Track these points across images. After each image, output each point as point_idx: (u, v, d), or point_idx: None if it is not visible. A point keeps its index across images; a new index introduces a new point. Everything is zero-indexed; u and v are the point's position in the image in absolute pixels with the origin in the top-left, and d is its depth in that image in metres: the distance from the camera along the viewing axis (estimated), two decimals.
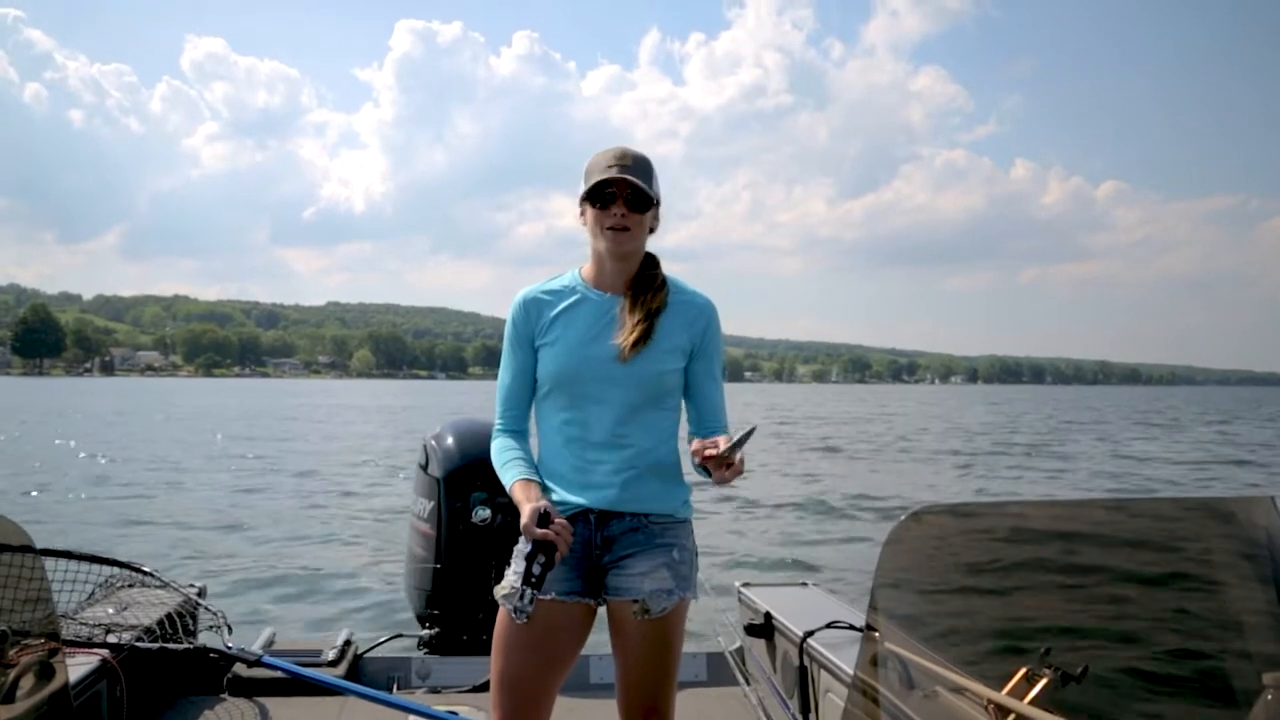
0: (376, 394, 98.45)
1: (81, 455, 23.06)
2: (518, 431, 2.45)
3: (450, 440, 4.25)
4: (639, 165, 2.32)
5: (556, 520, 2.21)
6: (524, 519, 2.22)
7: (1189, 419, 56.48)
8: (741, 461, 2.19)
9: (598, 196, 2.32)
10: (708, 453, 2.19)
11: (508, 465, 2.38)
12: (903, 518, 1.70)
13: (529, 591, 2.16)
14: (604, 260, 2.39)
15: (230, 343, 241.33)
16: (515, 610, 2.18)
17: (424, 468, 4.30)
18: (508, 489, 2.35)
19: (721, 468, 2.18)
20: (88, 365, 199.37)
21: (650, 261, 2.45)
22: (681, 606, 2.34)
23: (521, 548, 2.24)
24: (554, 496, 2.37)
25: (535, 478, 2.35)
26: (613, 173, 2.29)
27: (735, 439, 2.16)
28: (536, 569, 2.17)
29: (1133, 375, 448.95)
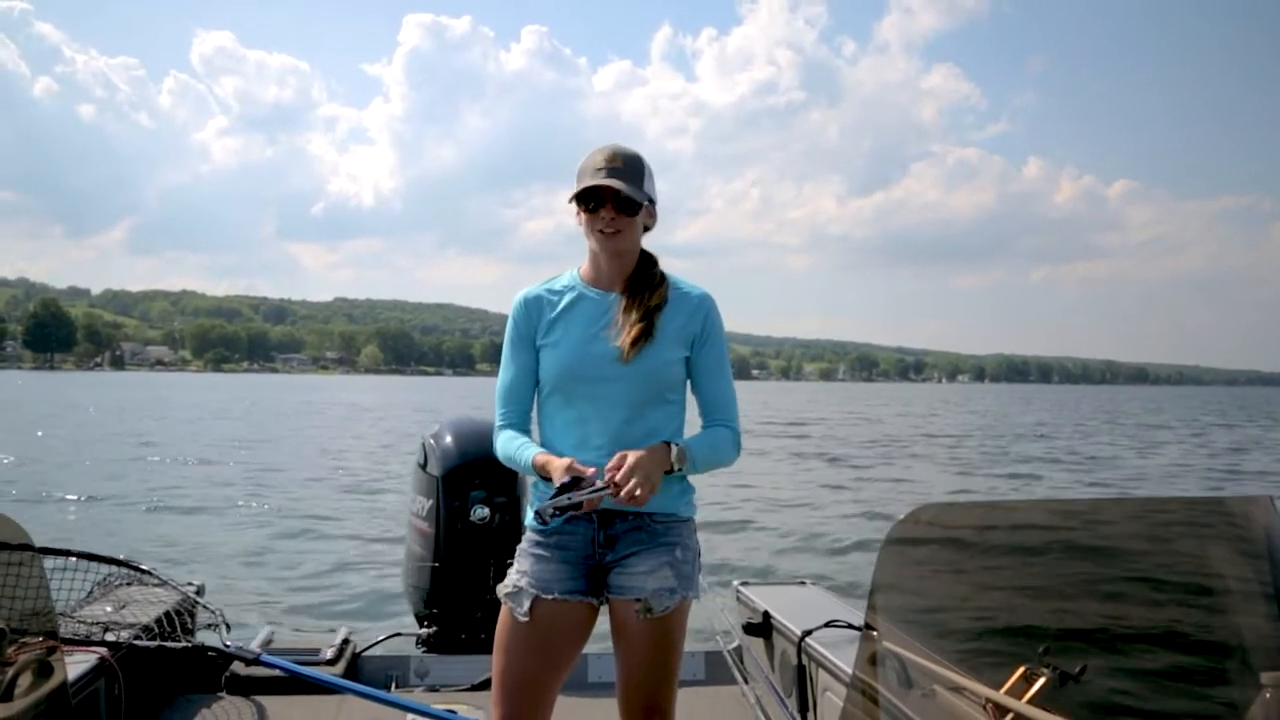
0: (383, 390, 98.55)
1: (92, 455, 23.08)
2: (522, 429, 2.45)
3: (449, 439, 4.24)
4: (628, 167, 2.33)
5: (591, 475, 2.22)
6: (559, 468, 2.23)
7: None
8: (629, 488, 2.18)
9: (587, 200, 2.33)
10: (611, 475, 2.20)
11: (521, 449, 2.38)
12: (902, 516, 1.69)
13: (555, 509, 2.16)
14: (600, 259, 2.41)
15: (239, 338, 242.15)
16: (548, 518, 2.18)
17: (423, 466, 4.29)
18: (528, 466, 2.35)
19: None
20: (98, 360, 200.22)
21: (647, 260, 2.45)
22: (684, 606, 2.35)
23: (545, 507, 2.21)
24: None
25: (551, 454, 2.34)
26: (600, 178, 2.30)
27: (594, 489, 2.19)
28: (572, 497, 2.17)
29: (1140, 375, 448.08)
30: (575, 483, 2.19)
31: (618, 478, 2.17)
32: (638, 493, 2.16)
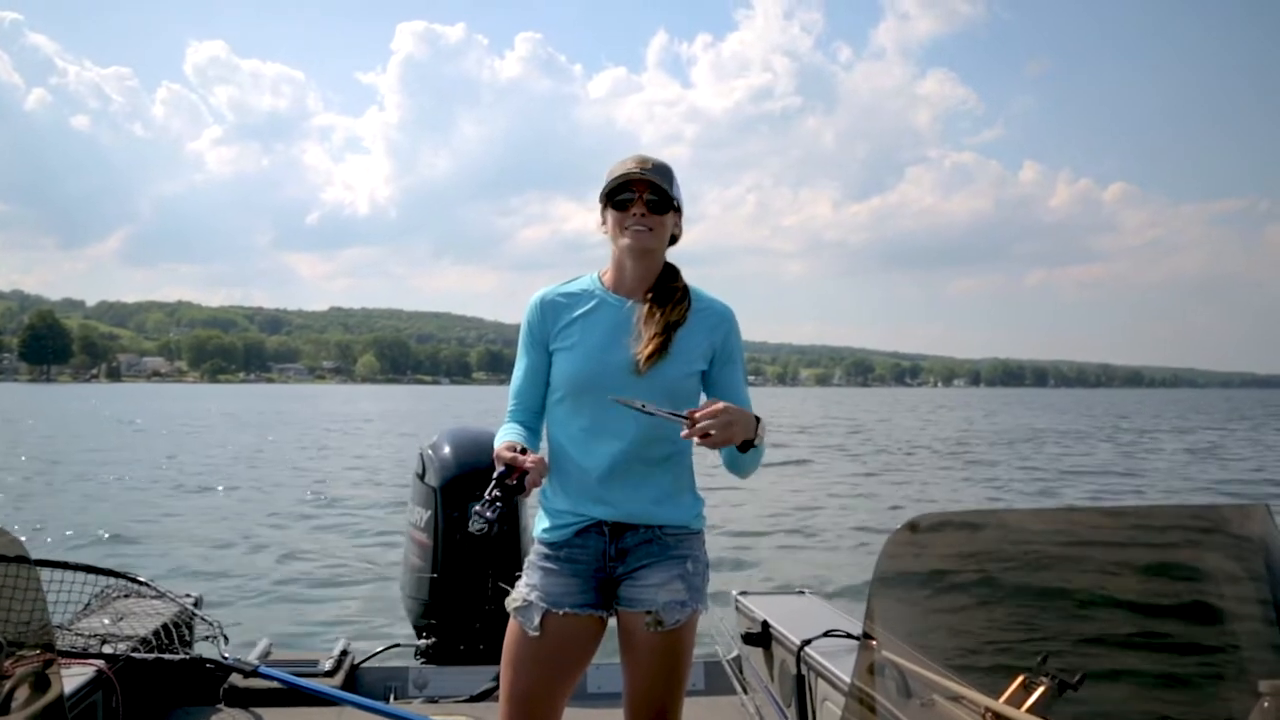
0: (382, 399, 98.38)
1: (88, 467, 23.01)
2: (525, 424, 2.40)
3: (447, 449, 4.24)
4: (659, 169, 2.34)
5: (532, 455, 2.18)
6: (497, 449, 2.20)
7: None
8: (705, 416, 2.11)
9: (617, 197, 2.32)
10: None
11: (502, 435, 2.33)
12: (900, 526, 1.69)
13: (489, 512, 2.08)
14: (624, 263, 2.37)
15: (235, 348, 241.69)
16: (477, 530, 2.08)
17: (421, 477, 4.28)
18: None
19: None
20: (94, 372, 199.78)
21: (671, 272, 2.42)
22: (693, 618, 2.33)
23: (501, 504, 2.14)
24: (566, 508, 2.35)
25: (523, 443, 2.28)
26: (633, 173, 2.30)
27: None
28: (505, 487, 2.10)
29: (1135, 378, 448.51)
30: (509, 472, 2.14)
31: (697, 414, 2.11)
32: (712, 433, 2.09)
